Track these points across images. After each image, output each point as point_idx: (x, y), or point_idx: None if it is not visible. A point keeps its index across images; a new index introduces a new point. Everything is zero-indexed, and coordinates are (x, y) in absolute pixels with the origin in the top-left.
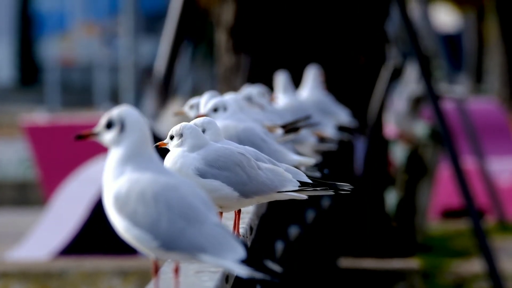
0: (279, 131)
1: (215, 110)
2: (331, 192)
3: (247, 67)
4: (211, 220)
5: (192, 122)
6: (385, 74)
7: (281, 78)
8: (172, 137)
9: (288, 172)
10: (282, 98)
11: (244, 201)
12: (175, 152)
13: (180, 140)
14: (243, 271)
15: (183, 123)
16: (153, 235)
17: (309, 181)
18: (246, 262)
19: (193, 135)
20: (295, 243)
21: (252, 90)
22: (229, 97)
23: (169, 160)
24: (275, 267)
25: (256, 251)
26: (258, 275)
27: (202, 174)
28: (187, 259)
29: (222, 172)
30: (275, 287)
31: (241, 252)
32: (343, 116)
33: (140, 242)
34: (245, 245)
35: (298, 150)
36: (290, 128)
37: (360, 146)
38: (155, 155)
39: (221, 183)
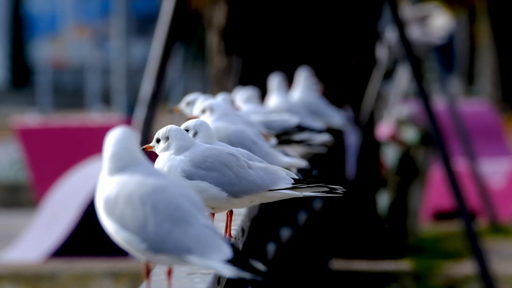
0: (273, 140)
1: (203, 112)
2: (324, 190)
3: (239, 69)
4: (200, 221)
5: (184, 125)
6: (376, 76)
7: (275, 80)
8: (158, 140)
9: None
10: (275, 100)
11: (234, 201)
12: (163, 156)
13: (166, 143)
14: (229, 271)
15: (169, 126)
16: (141, 237)
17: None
18: (232, 262)
19: (179, 137)
20: (286, 245)
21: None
22: (220, 98)
23: (157, 165)
24: (261, 266)
25: (242, 251)
26: (245, 274)
27: (189, 176)
28: (175, 261)
29: (209, 173)
30: None
31: (227, 252)
32: (335, 118)
33: (129, 245)
34: (232, 245)
35: (288, 152)
36: (284, 139)
37: (352, 148)
38: (144, 159)
39: (208, 184)
